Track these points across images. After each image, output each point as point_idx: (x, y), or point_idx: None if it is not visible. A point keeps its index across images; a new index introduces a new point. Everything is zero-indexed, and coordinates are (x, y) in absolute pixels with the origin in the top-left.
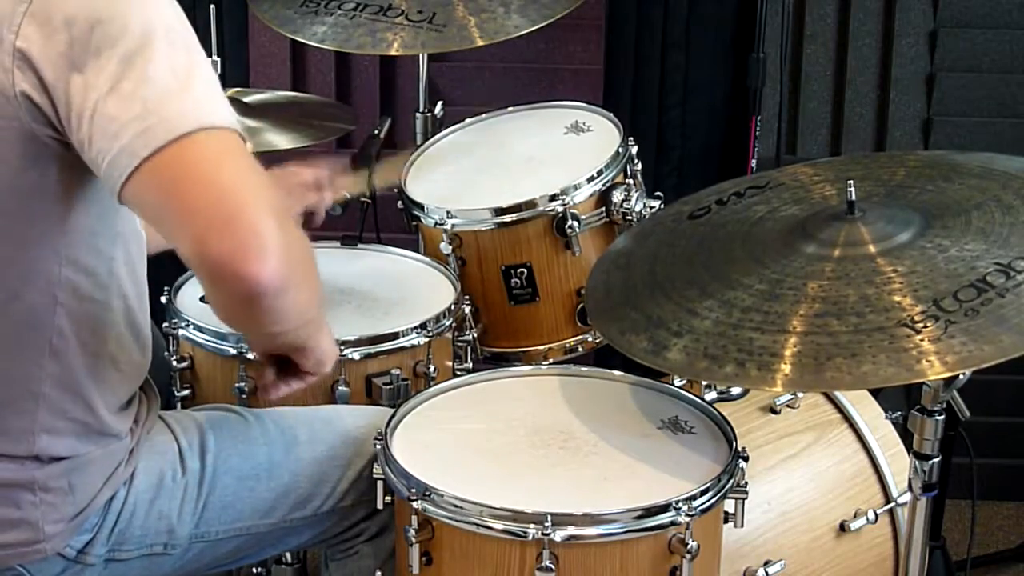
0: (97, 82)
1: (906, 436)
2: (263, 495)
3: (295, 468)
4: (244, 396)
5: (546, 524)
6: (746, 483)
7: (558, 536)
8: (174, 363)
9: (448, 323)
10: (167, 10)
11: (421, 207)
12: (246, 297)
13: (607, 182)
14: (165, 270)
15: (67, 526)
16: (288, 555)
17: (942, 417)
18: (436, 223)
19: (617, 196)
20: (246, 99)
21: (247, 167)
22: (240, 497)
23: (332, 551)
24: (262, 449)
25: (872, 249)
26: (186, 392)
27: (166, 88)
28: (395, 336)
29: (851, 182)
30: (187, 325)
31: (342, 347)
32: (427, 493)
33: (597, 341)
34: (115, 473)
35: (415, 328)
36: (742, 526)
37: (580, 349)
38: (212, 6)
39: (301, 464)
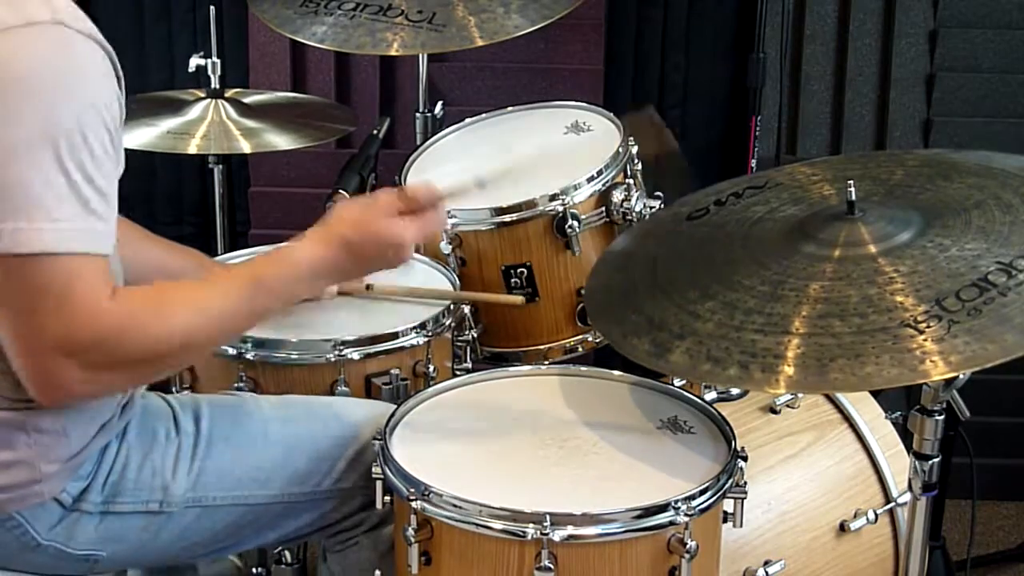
0: None
1: (906, 436)
2: (260, 464)
3: (292, 442)
4: None
5: (545, 524)
6: (745, 483)
7: (557, 536)
8: None
9: (448, 323)
10: (77, 114)
11: None
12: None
13: (607, 182)
14: None
15: (63, 467)
16: (288, 554)
17: (942, 417)
18: None
19: (617, 196)
20: (246, 99)
21: (75, 308)
22: (236, 464)
23: (331, 542)
24: (258, 423)
25: (873, 249)
26: (186, 391)
27: (38, 197)
28: (395, 336)
29: (851, 182)
30: None
31: (341, 347)
32: (426, 493)
33: (597, 341)
34: (108, 423)
35: (415, 328)
36: (741, 526)
37: (580, 349)
38: (212, 6)
39: (298, 439)
